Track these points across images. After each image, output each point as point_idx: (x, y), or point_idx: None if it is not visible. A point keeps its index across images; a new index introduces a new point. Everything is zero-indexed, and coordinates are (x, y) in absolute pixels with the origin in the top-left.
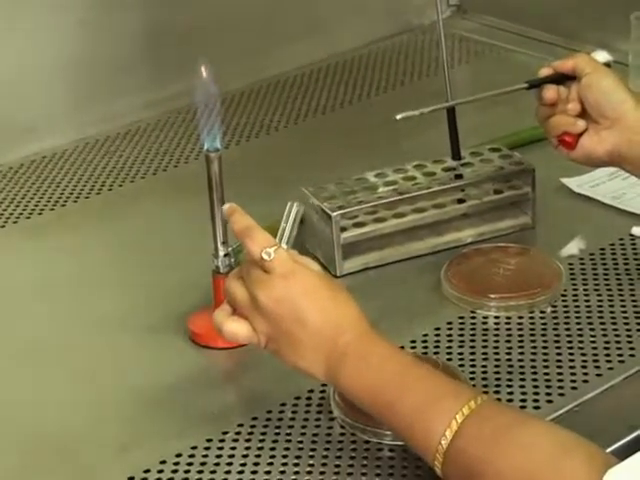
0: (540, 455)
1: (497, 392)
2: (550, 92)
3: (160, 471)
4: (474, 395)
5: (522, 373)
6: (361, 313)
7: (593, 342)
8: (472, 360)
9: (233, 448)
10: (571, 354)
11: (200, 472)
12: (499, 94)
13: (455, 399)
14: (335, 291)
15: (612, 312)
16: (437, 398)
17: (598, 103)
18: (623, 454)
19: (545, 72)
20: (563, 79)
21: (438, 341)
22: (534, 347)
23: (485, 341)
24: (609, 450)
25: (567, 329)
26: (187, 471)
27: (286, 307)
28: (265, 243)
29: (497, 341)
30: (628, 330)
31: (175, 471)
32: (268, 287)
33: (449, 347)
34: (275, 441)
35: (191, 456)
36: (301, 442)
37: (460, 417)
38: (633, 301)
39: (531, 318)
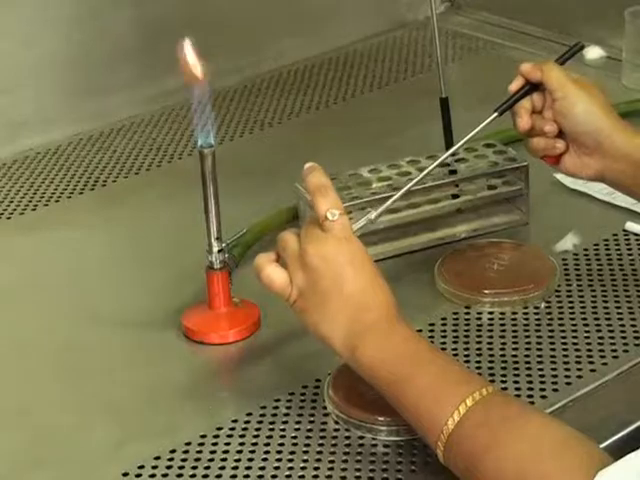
0: (542, 447)
1: None
2: (523, 121)
3: (154, 467)
4: (485, 384)
5: (516, 369)
6: (394, 300)
7: (587, 338)
8: (466, 356)
9: (227, 444)
10: (565, 350)
11: (194, 468)
12: (475, 134)
13: (466, 385)
14: (377, 273)
15: (606, 308)
16: (449, 382)
17: (575, 133)
18: (617, 450)
19: (515, 87)
20: (534, 88)
21: (432, 337)
22: (528, 343)
23: (479, 337)
24: (603, 446)
25: (561, 325)
26: (181, 467)
27: (330, 267)
28: (334, 204)
29: (491, 337)
30: (622, 326)
31: (169, 467)
32: (320, 243)
33: (443, 343)
34: (269, 436)
35: (185, 452)
36: (295, 437)
37: (470, 401)
38: (627, 297)
39: (525, 314)
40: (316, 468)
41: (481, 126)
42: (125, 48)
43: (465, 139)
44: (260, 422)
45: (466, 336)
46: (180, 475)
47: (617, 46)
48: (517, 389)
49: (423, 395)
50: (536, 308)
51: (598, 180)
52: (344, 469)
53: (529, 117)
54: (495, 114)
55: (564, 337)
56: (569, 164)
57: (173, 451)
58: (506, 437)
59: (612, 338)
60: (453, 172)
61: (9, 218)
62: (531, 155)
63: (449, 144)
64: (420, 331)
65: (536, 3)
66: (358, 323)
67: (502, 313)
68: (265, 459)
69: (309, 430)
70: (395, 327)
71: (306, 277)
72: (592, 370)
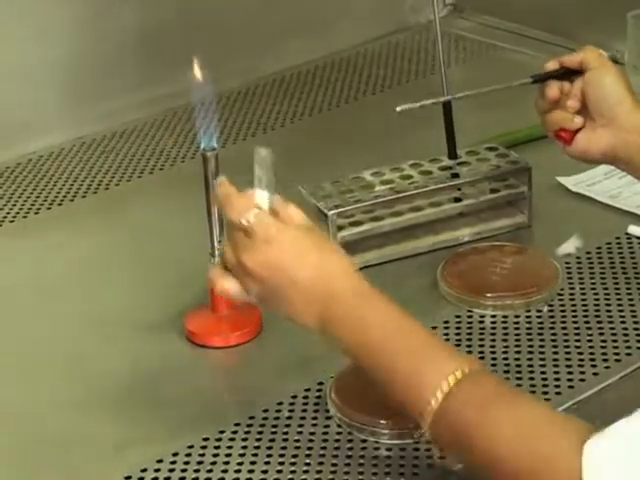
0: (529, 422)
1: None
2: (553, 90)
3: (157, 470)
4: (469, 361)
5: (519, 372)
6: (350, 262)
7: (590, 341)
8: None
9: (230, 447)
10: (568, 353)
11: (197, 471)
12: (503, 88)
13: (450, 361)
14: (321, 244)
15: (609, 311)
16: (432, 357)
17: (597, 100)
18: None
19: (551, 66)
20: (569, 74)
21: None
22: (531, 346)
23: (482, 340)
24: None
25: (564, 328)
26: (184, 470)
27: (273, 269)
28: (243, 208)
29: (494, 340)
30: (625, 329)
31: (172, 470)
32: (252, 251)
33: None
34: (272, 440)
35: (188, 455)
36: (298, 441)
37: (452, 379)
38: (629, 300)
39: (528, 317)
40: (319, 471)
41: (511, 84)
42: (127, 51)
43: (492, 88)
44: (262, 425)
45: (469, 339)
46: (183, 478)
47: (620, 49)
48: None
49: (405, 372)
50: (539, 311)
51: (608, 158)
52: (347, 472)
53: (558, 91)
54: (529, 79)
55: (567, 340)
56: (581, 139)
57: (175, 454)
58: (491, 414)
59: (615, 341)
60: (455, 175)
61: (12, 221)
62: (546, 131)
63: (452, 147)
64: None
65: (538, 6)
66: (325, 306)
67: (505, 316)
68: (268, 462)
69: (312, 433)
70: (364, 298)
71: (255, 283)
72: (595, 373)
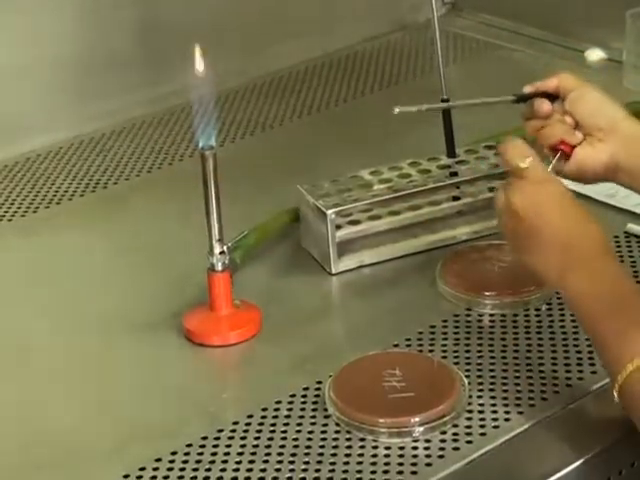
0: None
1: (492, 389)
2: (545, 105)
3: (155, 469)
4: None
5: (517, 371)
6: (601, 233)
7: (588, 339)
8: (467, 358)
9: (228, 446)
10: (566, 351)
11: (195, 470)
12: (482, 104)
13: None
14: (579, 207)
15: None
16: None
17: (591, 114)
18: (621, 453)
19: (529, 89)
20: (548, 97)
21: (433, 339)
22: (529, 345)
23: (480, 339)
24: (605, 449)
25: (562, 326)
26: (182, 469)
27: (532, 209)
28: (521, 154)
29: (492, 339)
30: None
31: (170, 469)
32: (519, 190)
33: (444, 344)
34: (270, 439)
35: (186, 454)
36: (296, 440)
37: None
38: None
39: (526, 315)
40: (317, 470)
41: (492, 100)
42: (126, 50)
43: (473, 102)
44: (261, 424)
45: (467, 338)
46: (181, 477)
47: (618, 48)
48: (518, 391)
49: (610, 338)
50: (537, 310)
51: (608, 169)
52: (345, 471)
53: (550, 106)
54: (512, 97)
55: (565, 339)
56: (581, 154)
57: (174, 453)
58: None
59: None
60: (454, 174)
61: (10, 220)
62: (544, 143)
63: (450, 146)
64: (421, 333)
65: (537, 5)
66: (568, 255)
67: (503, 315)
68: (266, 461)
69: (310, 432)
70: (607, 264)
71: (514, 221)
72: (593, 372)
